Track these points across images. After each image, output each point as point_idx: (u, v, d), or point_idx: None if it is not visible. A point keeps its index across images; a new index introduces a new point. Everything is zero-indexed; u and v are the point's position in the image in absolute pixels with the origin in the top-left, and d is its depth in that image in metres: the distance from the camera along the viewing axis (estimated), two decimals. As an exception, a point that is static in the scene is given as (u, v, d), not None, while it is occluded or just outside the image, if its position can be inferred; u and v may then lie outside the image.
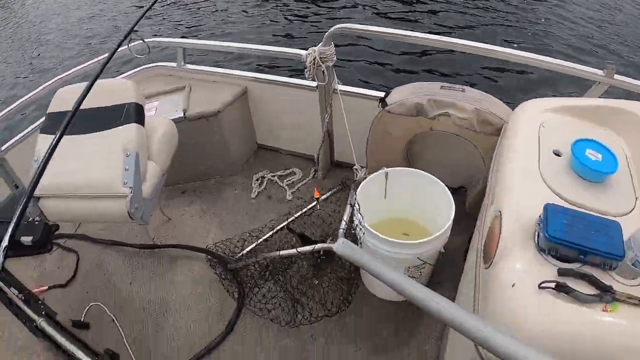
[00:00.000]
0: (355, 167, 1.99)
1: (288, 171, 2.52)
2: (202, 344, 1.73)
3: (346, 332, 1.74)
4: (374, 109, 1.93)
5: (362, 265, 1.03)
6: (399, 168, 1.75)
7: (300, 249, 1.57)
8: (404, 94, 1.84)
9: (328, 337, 1.72)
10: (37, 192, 1.49)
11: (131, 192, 1.48)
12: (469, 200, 1.95)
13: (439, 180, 1.67)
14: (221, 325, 1.79)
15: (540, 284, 0.86)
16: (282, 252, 1.66)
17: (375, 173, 1.71)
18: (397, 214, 1.89)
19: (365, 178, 1.72)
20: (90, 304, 1.88)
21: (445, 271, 1.81)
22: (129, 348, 1.73)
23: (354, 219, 1.57)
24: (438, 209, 1.68)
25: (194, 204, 2.35)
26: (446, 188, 1.64)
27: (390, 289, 0.89)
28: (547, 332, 0.83)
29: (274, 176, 2.49)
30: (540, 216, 0.96)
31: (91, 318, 1.84)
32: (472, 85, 2.01)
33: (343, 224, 1.49)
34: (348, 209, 1.57)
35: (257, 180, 2.47)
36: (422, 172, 1.71)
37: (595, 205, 1.02)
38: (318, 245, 1.49)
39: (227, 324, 1.78)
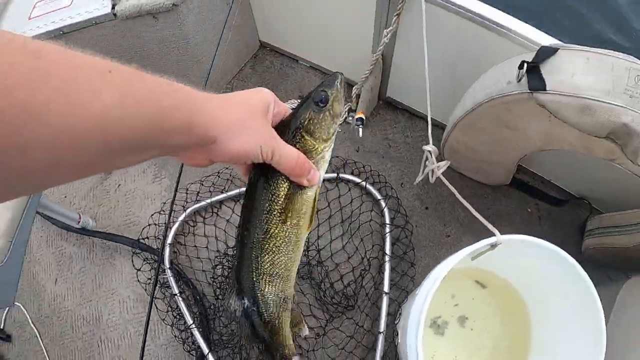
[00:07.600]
0: (427, 148, 1.05)
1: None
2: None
3: None
4: (489, 46, 1.02)
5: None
6: (518, 238, 0.83)
7: None
8: (592, 74, 0.83)
9: None
10: None
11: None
12: (595, 242, 1.09)
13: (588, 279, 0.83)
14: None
15: None
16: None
17: (475, 246, 0.82)
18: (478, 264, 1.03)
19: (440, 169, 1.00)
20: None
21: None
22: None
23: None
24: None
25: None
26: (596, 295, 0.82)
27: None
28: None
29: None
30: None
31: (13, 325, 1.38)
32: None
33: None
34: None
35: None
36: (564, 254, 0.83)
37: None
38: None
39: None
